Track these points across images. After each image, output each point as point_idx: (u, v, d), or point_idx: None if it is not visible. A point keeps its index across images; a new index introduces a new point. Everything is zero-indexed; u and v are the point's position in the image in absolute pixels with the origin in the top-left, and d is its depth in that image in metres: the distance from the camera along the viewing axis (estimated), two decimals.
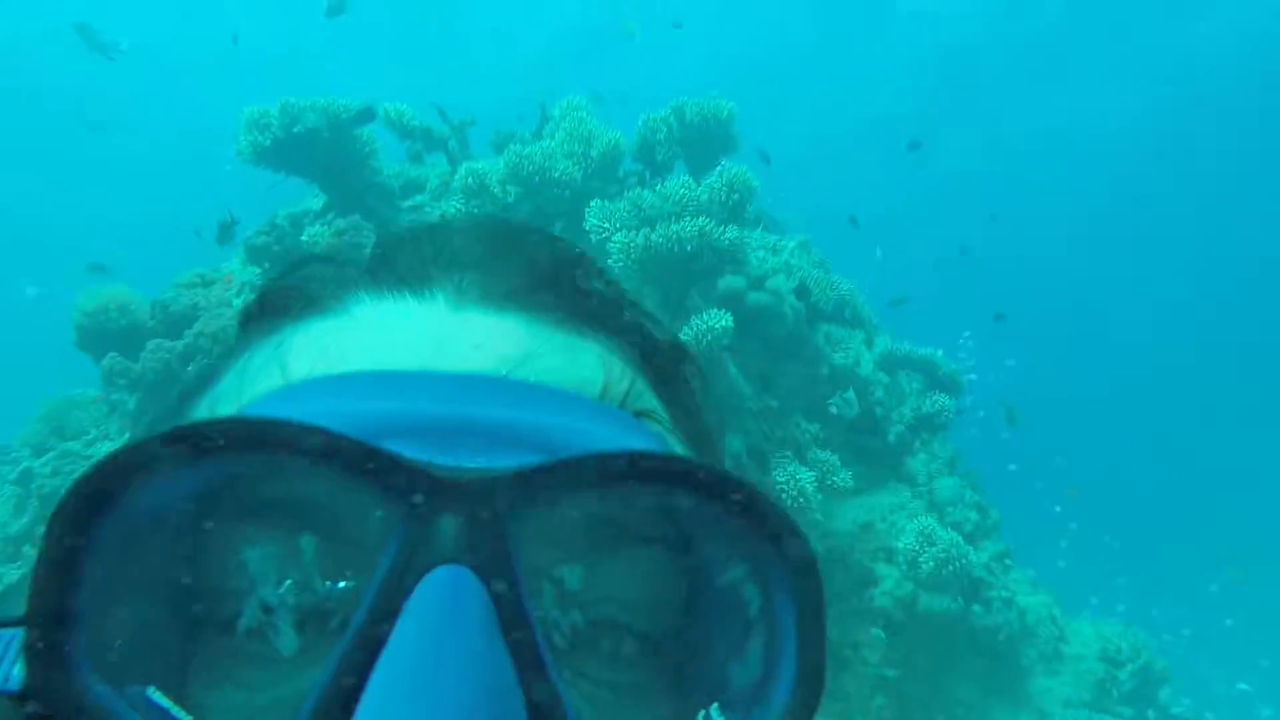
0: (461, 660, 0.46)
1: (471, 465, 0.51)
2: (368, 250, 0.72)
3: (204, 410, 0.67)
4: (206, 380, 0.71)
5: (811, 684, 0.52)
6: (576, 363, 0.63)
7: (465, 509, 0.49)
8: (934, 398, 8.53)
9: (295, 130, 7.36)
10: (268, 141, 7.42)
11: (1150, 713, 8.32)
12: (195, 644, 0.56)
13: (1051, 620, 8.56)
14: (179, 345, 6.31)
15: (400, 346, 0.61)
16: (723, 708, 0.55)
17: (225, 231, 7.43)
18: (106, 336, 6.97)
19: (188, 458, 0.48)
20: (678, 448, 0.67)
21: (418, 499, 0.49)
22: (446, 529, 0.49)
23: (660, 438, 0.64)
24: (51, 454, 7.20)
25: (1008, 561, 8.45)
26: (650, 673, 0.59)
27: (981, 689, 7.83)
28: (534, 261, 0.68)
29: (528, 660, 0.49)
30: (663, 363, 0.71)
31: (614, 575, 0.58)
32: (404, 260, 0.68)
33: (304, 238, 6.98)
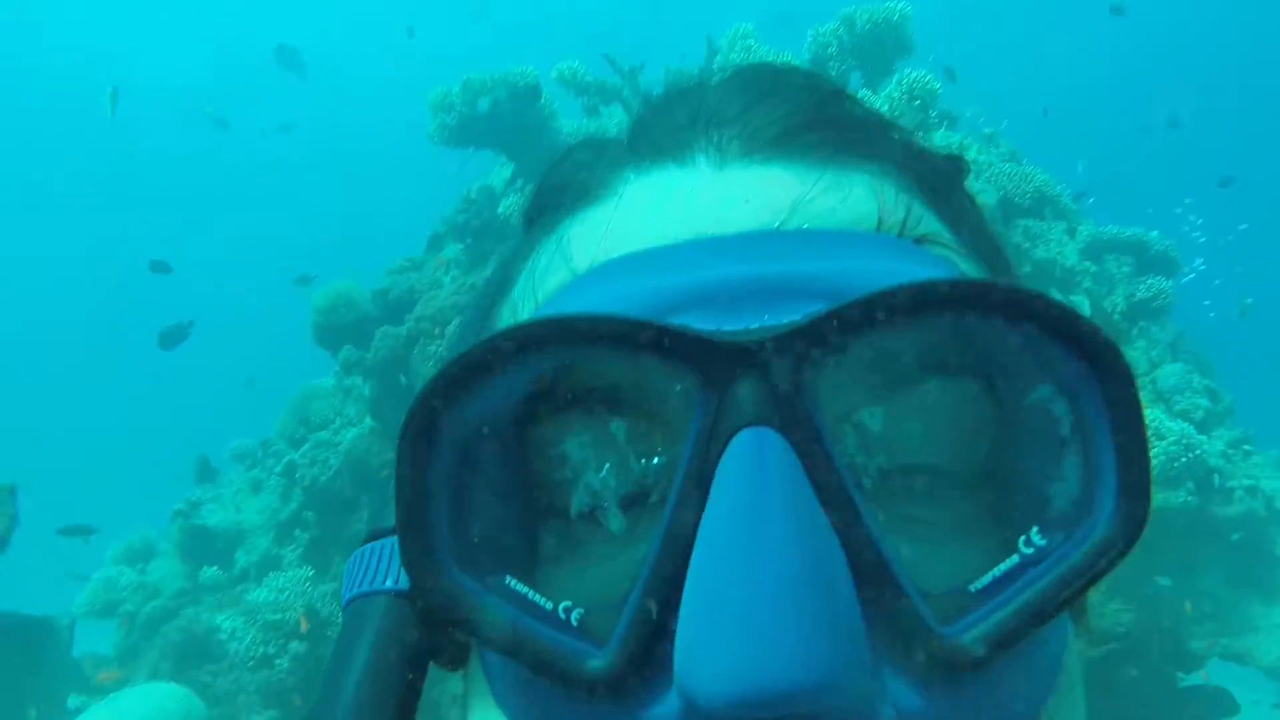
0: (775, 520, 0.47)
1: (758, 324, 0.52)
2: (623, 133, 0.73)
3: (506, 316, 0.70)
4: (502, 286, 0.73)
5: (1137, 492, 0.51)
6: (848, 199, 0.61)
7: (758, 370, 0.50)
8: (1148, 281, 8.03)
9: (478, 106, 7.54)
10: (454, 121, 7.66)
11: None
12: (537, 532, 0.59)
13: None
14: (402, 330, 6.65)
15: (671, 218, 0.61)
16: (1043, 530, 0.53)
17: (434, 244, 7.89)
18: (339, 330, 7.45)
19: (499, 366, 0.52)
20: (967, 267, 0.65)
21: (712, 369, 0.50)
22: (744, 393, 0.50)
23: (946, 260, 0.62)
24: (307, 445, 7.78)
25: (1247, 447, 7.87)
26: (965, 506, 0.57)
27: (1229, 581, 7.39)
28: (792, 104, 0.67)
29: (840, 508, 0.50)
30: (940, 179, 0.69)
31: (915, 411, 0.57)
32: (661, 129, 0.68)
33: (500, 210, 7.18)
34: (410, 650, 0.63)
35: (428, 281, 7.35)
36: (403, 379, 6.48)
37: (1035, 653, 0.55)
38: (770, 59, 7.28)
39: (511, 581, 0.55)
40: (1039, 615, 0.51)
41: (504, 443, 0.58)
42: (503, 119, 7.69)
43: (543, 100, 7.84)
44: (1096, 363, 0.51)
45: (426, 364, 6.29)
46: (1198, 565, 7.19)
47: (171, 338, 9.74)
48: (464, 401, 0.53)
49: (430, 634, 0.64)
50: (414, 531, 0.53)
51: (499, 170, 8.26)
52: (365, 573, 0.67)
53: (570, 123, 8.19)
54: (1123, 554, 0.51)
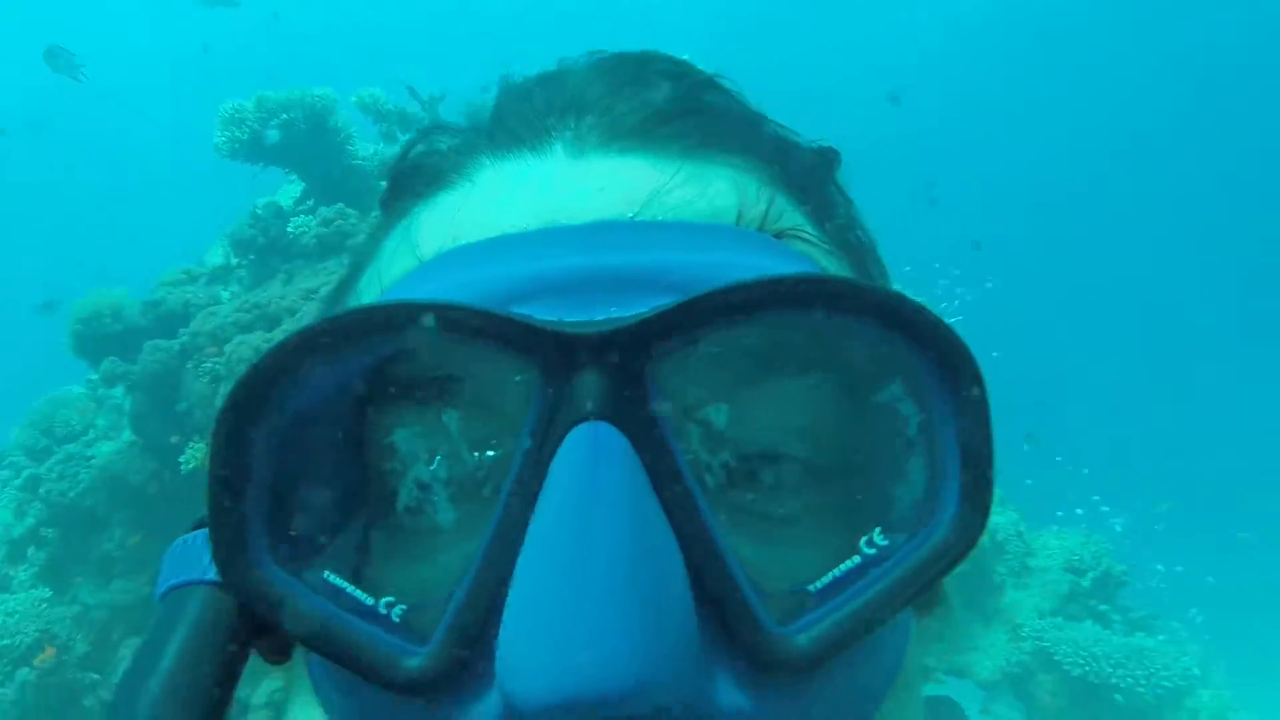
0: (605, 517, 0.46)
1: (603, 316, 0.51)
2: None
3: (353, 301, 0.69)
4: (353, 272, 0.72)
5: (977, 502, 0.50)
6: (707, 191, 0.60)
7: (598, 363, 0.48)
8: None
9: (273, 124, 7.40)
10: (245, 136, 7.45)
11: (1113, 615, 8.77)
12: (364, 525, 0.58)
13: (1018, 536, 8.97)
14: (176, 345, 6.37)
15: (523, 206, 0.60)
16: (886, 530, 0.53)
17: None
18: (103, 340, 7.03)
19: (324, 353, 0.50)
20: (829, 263, 0.64)
21: (551, 360, 0.49)
22: (583, 386, 0.48)
23: (806, 256, 0.61)
24: (55, 458, 7.26)
25: None
26: (815, 501, 0.56)
27: (957, 606, 8.21)
28: (655, 92, 0.66)
29: (679, 505, 0.49)
30: (807, 173, 0.68)
31: (764, 406, 0.56)
32: (519, 115, 0.67)
33: (290, 229, 7.05)
34: (228, 641, 0.58)
35: (205, 297, 7.09)
36: (181, 404, 6.20)
37: (872, 653, 0.54)
38: None
39: (330, 575, 0.53)
40: (876, 617, 0.50)
41: (333, 431, 0.56)
42: (297, 139, 7.57)
43: (340, 123, 7.78)
44: (944, 363, 0.50)
45: (201, 381, 6.06)
46: None
47: None
48: (286, 387, 0.51)
49: (251, 626, 0.59)
50: (224, 520, 0.51)
51: (288, 188, 8.08)
52: (185, 562, 0.61)
53: (367, 147, 8.15)
54: (960, 557, 0.51)
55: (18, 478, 7.78)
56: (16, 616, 6.53)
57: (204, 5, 9.72)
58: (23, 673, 6.26)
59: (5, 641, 6.37)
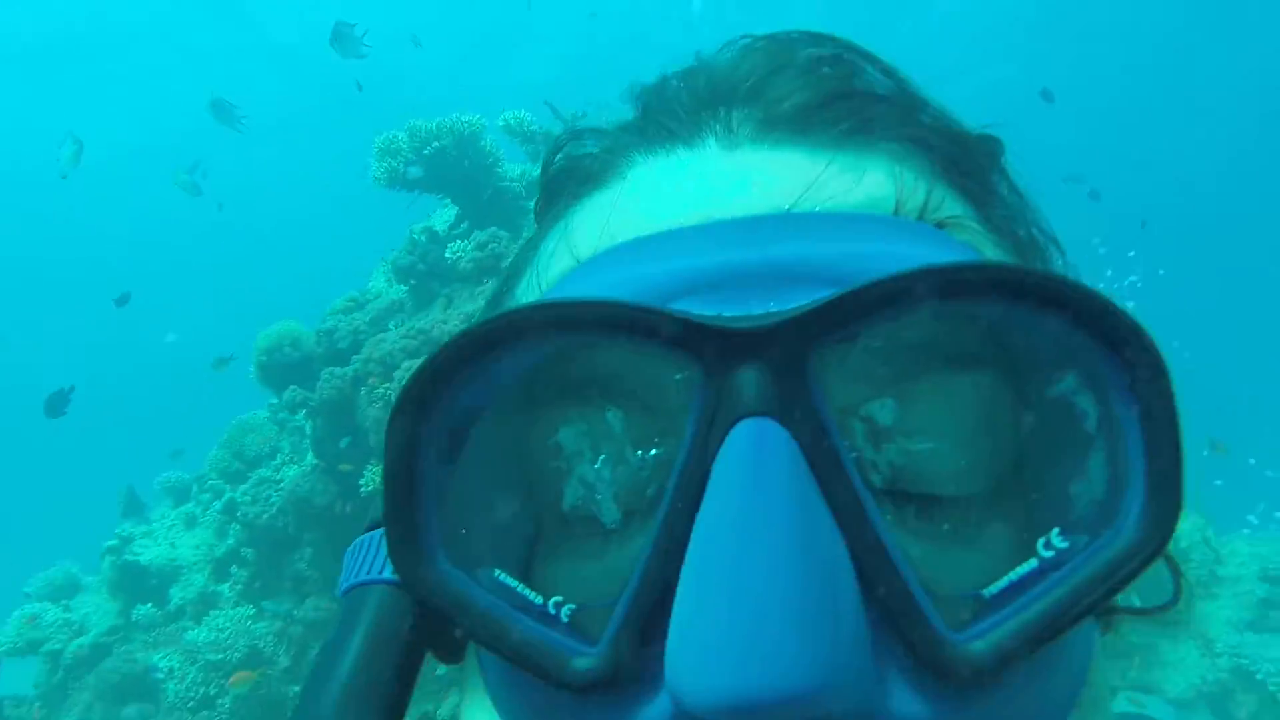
0: (772, 516, 0.44)
1: (762, 311, 0.50)
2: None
3: (511, 304, 0.69)
4: (512, 277, 0.73)
5: (1166, 497, 0.47)
6: (863, 181, 0.59)
7: (759, 357, 0.47)
8: None
9: (425, 152, 7.71)
10: (400, 165, 7.79)
11: None
12: (530, 524, 0.58)
13: (1205, 543, 8.44)
14: (349, 371, 6.74)
15: (677, 202, 0.59)
16: (1065, 531, 0.50)
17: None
18: (284, 369, 7.52)
19: (485, 354, 0.50)
20: (994, 253, 0.62)
21: (711, 356, 0.48)
22: (744, 382, 0.47)
23: (969, 246, 0.59)
24: (249, 482, 7.80)
25: None
26: (982, 505, 0.54)
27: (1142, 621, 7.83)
28: (807, 79, 0.64)
29: (845, 505, 0.47)
30: (970, 159, 0.66)
31: (929, 402, 0.54)
32: (669, 110, 0.67)
33: (447, 254, 7.32)
34: (405, 641, 0.61)
35: (371, 323, 7.46)
36: (349, 437, 6.57)
37: (1055, 664, 0.51)
38: None
39: (501, 574, 0.54)
40: (1057, 624, 0.47)
41: (498, 431, 0.57)
42: (448, 164, 7.87)
43: (488, 146, 8.03)
44: (1125, 352, 0.47)
45: (374, 406, 6.40)
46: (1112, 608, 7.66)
47: (56, 405, 9.83)
48: (453, 388, 0.51)
49: (426, 625, 0.61)
50: (399, 520, 0.52)
51: (442, 213, 8.40)
52: (363, 562, 0.64)
53: (515, 168, 8.39)
54: (1151, 558, 0.47)
55: (218, 500, 8.41)
56: (228, 632, 7.09)
57: (340, 56, 10.26)
58: (236, 688, 6.78)
59: (219, 656, 6.92)
